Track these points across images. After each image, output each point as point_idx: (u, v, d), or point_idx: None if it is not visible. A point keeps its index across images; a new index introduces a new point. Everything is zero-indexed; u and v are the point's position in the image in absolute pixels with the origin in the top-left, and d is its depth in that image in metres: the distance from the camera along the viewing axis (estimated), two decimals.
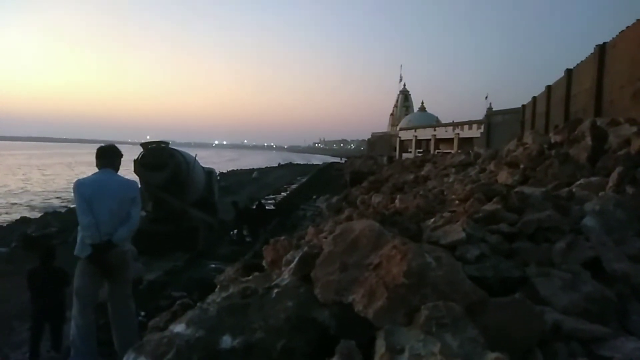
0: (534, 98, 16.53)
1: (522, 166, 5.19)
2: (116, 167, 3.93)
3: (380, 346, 1.59)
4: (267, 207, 14.86)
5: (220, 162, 56.89)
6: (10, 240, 11.35)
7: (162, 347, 1.75)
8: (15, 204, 23.43)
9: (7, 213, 19.75)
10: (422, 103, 60.46)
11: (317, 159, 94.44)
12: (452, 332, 1.53)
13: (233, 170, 44.68)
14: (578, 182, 4.01)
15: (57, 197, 26.63)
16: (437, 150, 34.39)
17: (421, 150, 38.97)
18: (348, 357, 1.61)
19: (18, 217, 16.25)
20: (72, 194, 3.80)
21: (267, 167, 53.22)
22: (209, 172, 12.52)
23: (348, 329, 1.84)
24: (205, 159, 13.84)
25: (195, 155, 11.42)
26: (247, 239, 11.52)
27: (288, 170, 49.61)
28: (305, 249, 2.32)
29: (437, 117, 53.20)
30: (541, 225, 2.35)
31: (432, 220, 3.14)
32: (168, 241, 10.10)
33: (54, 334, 4.48)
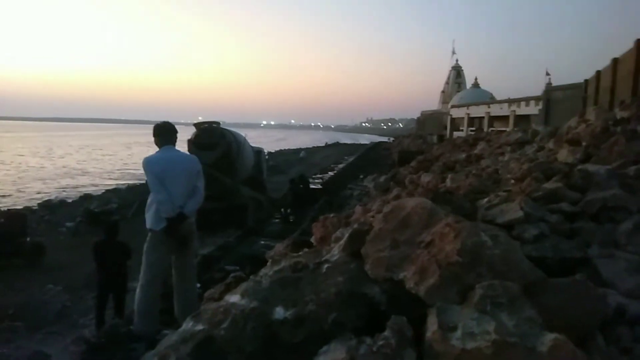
0: (598, 72, 15.45)
1: (584, 144, 4.90)
2: (175, 143, 4.07)
3: (432, 323, 1.57)
4: (310, 184, 14.97)
5: (268, 142, 57.76)
6: (76, 215, 12.14)
7: (219, 316, 1.82)
8: (78, 183, 24.93)
9: (72, 189, 21.10)
10: (476, 79, 57.97)
11: (365, 139, 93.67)
12: (508, 312, 1.49)
13: (281, 150, 45.23)
14: None
15: (117, 175, 28.13)
16: (491, 129, 33.11)
17: (474, 129, 37.66)
18: (399, 333, 1.61)
19: (82, 194, 17.30)
20: (143, 171, 3.95)
21: (314, 147, 53.45)
22: (258, 152, 12.75)
23: (399, 305, 1.84)
24: (254, 139, 14.06)
25: (245, 135, 11.65)
26: (291, 218, 11.66)
27: (335, 149, 49.57)
28: (355, 226, 2.32)
29: (491, 94, 50.97)
30: (606, 205, 2.22)
31: (486, 199, 3.05)
32: (220, 218, 10.45)
33: (118, 303, 4.78)
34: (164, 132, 4.00)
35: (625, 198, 2.26)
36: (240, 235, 9.78)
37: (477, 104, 41.94)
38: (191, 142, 10.09)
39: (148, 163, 3.84)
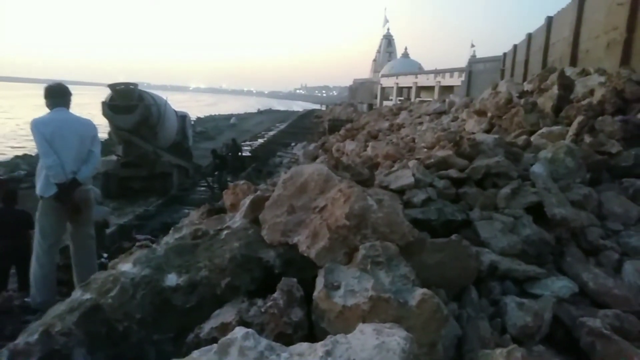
0: (515, 46, 16.39)
1: (489, 114, 5.23)
2: (68, 106, 3.81)
3: (319, 283, 1.64)
4: (241, 151, 14.76)
5: (197, 107, 55.65)
6: None
7: (108, 285, 1.78)
8: None
9: None
10: (406, 49, 59.22)
11: (298, 106, 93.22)
12: (385, 270, 1.60)
13: (211, 115, 43.85)
14: (540, 131, 4.08)
15: (26, 140, 25.86)
16: (417, 99, 34.26)
17: (402, 98, 38.74)
18: (288, 293, 1.68)
19: None
20: (32, 133, 3.68)
21: (246, 113, 52.35)
22: (183, 117, 12.27)
23: (292, 268, 1.90)
24: (182, 103, 13.50)
25: (167, 98, 11.12)
26: (215, 186, 11.48)
27: (267, 116, 48.94)
28: (258, 192, 2.34)
29: (419, 64, 52.40)
30: (490, 172, 2.41)
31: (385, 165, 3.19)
32: (140, 186, 10.04)
33: (20, 275, 4.49)
34: (57, 94, 3.74)
35: (508, 165, 2.46)
36: (161, 203, 9.48)
37: (405, 74, 43.04)
38: (105, 105, 9.46)
39: (36, 124, 3.56)
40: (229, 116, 41.96)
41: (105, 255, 4.43)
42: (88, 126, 3.81)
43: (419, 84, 39.05)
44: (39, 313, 3.07)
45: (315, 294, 1.64)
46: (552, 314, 1.81)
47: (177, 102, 11.99)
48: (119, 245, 5.27)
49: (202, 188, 11.80)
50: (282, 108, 73.20)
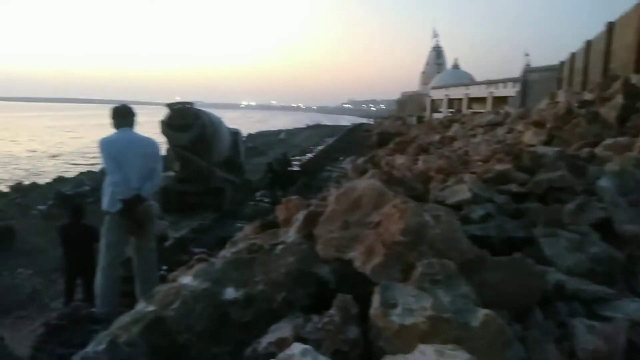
0: (573, 54, 15.70)
1: (548, 126, 5.02)
2: (133, 126, 4.04)
3: (376, 300, 1.63)
4: (291, 165, 14.97)
5: (247, 124, 57.16)
6: (47, 198, 11.91)
7: (170, 297, 1.85)
8: (49, 165, 24.40)
9: (44, 172, 20.66)
10: (456, 60, 58.22)
11: (346, 120, 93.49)
12: (444, 289, 1.56)
13: (261, 131, 44.87)
14: (604, 143, 3.86)
15: (89, 158, 27.54)
16: (469, 110, 33.44)
17: (453, 110, 37.98)
18: (344, 310, 1.67)
19: (55, 177, 16.96)
20: (99, 152, 3.92)
21: (294, 129, 53.15)
22: (235, 133, 12.63)
23: (347, 284, 1.89)
24: (233, 121, 13.94)
25: (221, 116, 11.53)
26: (266, 200, 11.66)
27: (316, 131, 49.40)
28: (311, 207, 2.36)
29: (471, 75, 51.31)
30: (553, 186, 2.30)
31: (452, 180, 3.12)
32: (195, 200, 10.38)
33: (86, 287, 4.75)
34: (123, 114, 3.97)
35: (572, 179, 2.34)
36: (215, 218, 9.76)
37: (456, 86, 42.22)
38: (164, 124, 9.93)
39: (104, 144, 3.80)
40: (278, 132, 42.79)
41: (164, 267, 4.61)
42: (151, 145, 4.02)
43: (471, 95, 38.16)
44: (104, 323, 3.23)
45: (371, 311, 1.62)
46: (626, 338, 1.69)
47: (229, 119, 12.40)
48: (177, 258, 5.46)
49: (253, 203, 12.04)
50: (330, 122, 73.69)
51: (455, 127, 12.16)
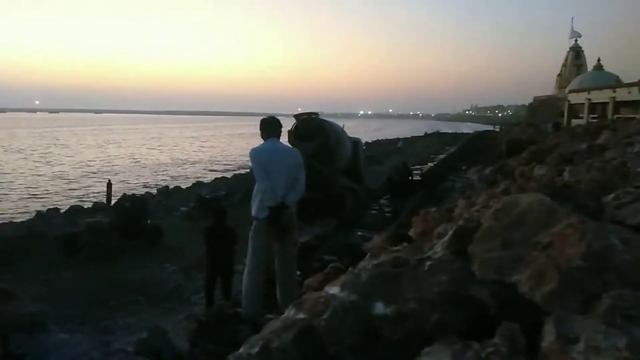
0: None
1: None
2: (279, 136, 4.26)
3: (550, 333, 1.43)
4: (412, 175, 14.67)
5: (365, 132, 57.66)
6: (189, 201, 13.23)
7: (319, 306, 1.84)
8: (189, 171, 27.15)
9: (185, 177, 23.06)
10: (599, 60, 51.74)
11: (467, 127, 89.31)
12: None
13: (378, 140, 44.87)
14: None
15: (223, 165, 30.11)
16: (616, 116, 29.58)
17: (596, 116, 33.98)
18: (511, 340, 1.49)
19: (194, 182, 18.81)
20: (250, 161, 4.19)
21: (412, 137, 52.21)
22: (355, 142, 12.76)
23: (509, 310, 1.70)
24: (351, 130, 14.11)
25: (343, 125, 11.73)
26: (386, 210, 11.52)
27: (435, 139, 47.92)
28: (461, 222, 2.20)
29: (617, 77, 45.43)
30: None
31: (611, 196, 2.71)
32: (318, 207, 10.67)
33: (225, 285, 5.10)
34: (271, 126, 4.19)
35: None
36: (337, 225, 9.90)
37: (600, 89, 37.68)
38: (291, 133, 10.39)
39: (255, 153, 4.04)
40: (396, 140, 42.38)
41: (298, 272, 4.76)
42: (296, 155, 4.21)
43: (618, 99, 33.76)
44: (249, 323, 3.41)
45: (544, 344, 1.42)
46: None
47: (347, 129, 12.59)
48: (309, 264, 5.61)
49: (373, 212, 11.99)
50: (449, 130, 71.00)
51: (606, 135, 10.76)
